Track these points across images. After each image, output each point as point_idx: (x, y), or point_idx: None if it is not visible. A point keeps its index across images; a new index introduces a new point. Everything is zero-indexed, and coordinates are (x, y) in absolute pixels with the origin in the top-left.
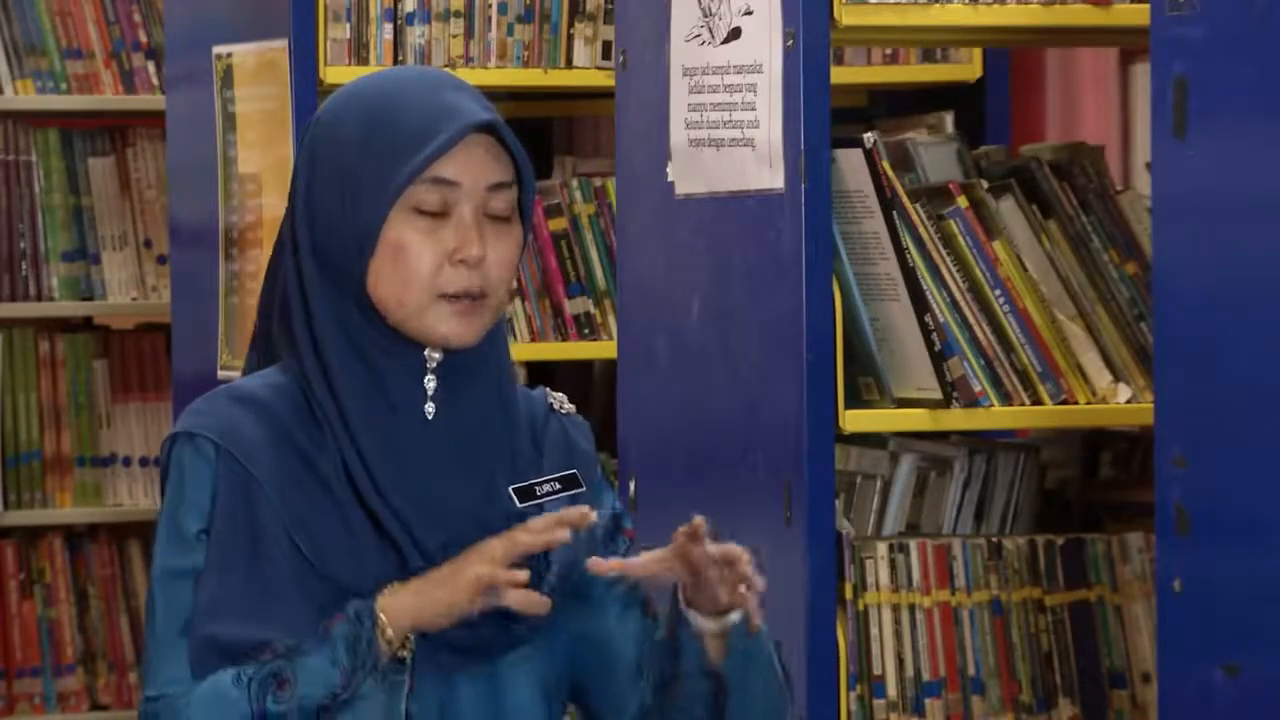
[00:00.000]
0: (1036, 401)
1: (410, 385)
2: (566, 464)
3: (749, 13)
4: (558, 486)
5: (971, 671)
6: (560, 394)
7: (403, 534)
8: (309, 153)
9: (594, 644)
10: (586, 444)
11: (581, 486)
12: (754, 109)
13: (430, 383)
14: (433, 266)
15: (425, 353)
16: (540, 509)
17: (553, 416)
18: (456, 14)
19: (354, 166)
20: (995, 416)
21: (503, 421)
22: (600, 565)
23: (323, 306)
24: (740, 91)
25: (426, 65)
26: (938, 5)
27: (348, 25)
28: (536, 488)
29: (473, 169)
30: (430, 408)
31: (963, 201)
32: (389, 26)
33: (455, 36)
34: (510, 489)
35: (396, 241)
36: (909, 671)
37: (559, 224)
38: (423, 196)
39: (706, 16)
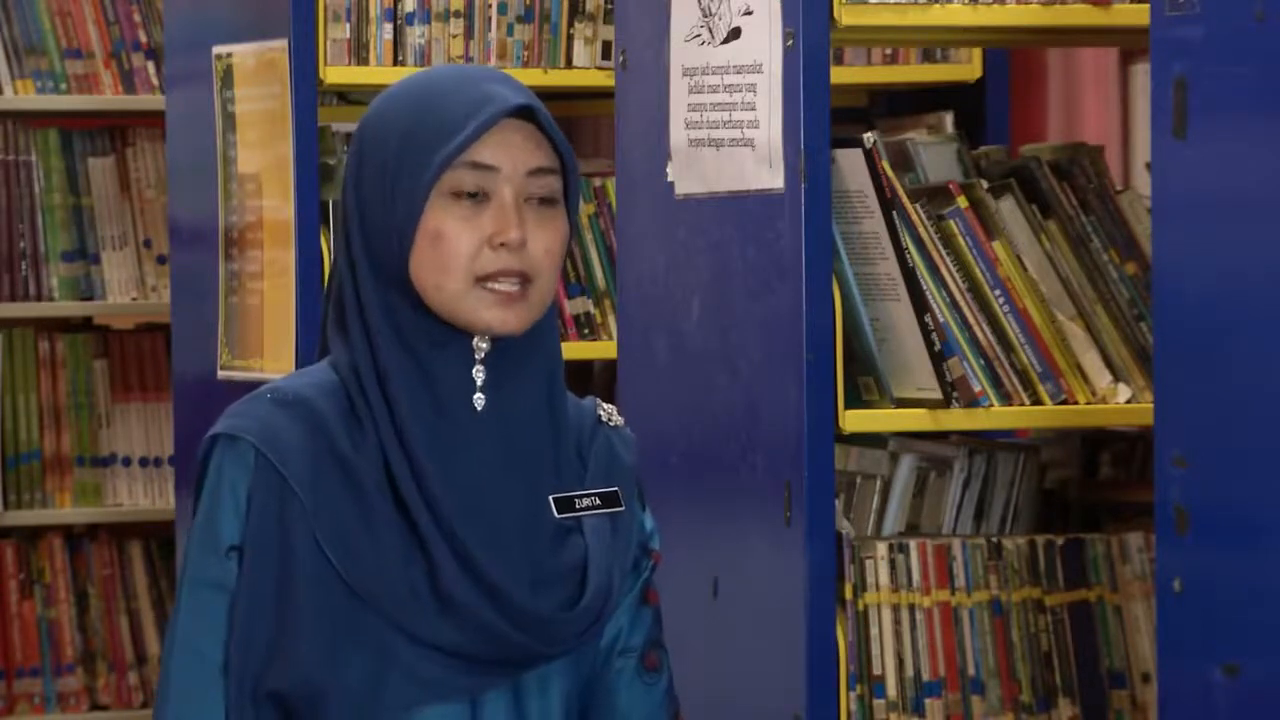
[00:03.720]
0: (1036, 401)
1: (459, 377)
2: (608, 477)
3: (749, 13)
4: (598, 502)
5: (971, 671)
6: (611, 406)
7: (437, 536)
8: (356, 152)
9: (599, 691)
10: (629, 458)
11: (621, 506)
12: (754, 109)
13: (479, 374)
14: (471, 250)
15: (474, 342)
16: (579, 522)
17: (600, 428)
18: (456, 14)
19: (396, 159)
20: (995, 416)
21: (550, 422)
22: None
23: (374, 301)
24: (740, 91)
25: (422, 65)
26: (938, 5)
27: (348, 25)
28: (576, 500)
29: (511, 154)
30: (480, 399)
31: (963, 201)
32: (389, 26)
33: (455, 36)
34: (550, 498)
35: (436, 228)
36: (909, 671)
37: None
38: (460, 181)
39: (706, 16)
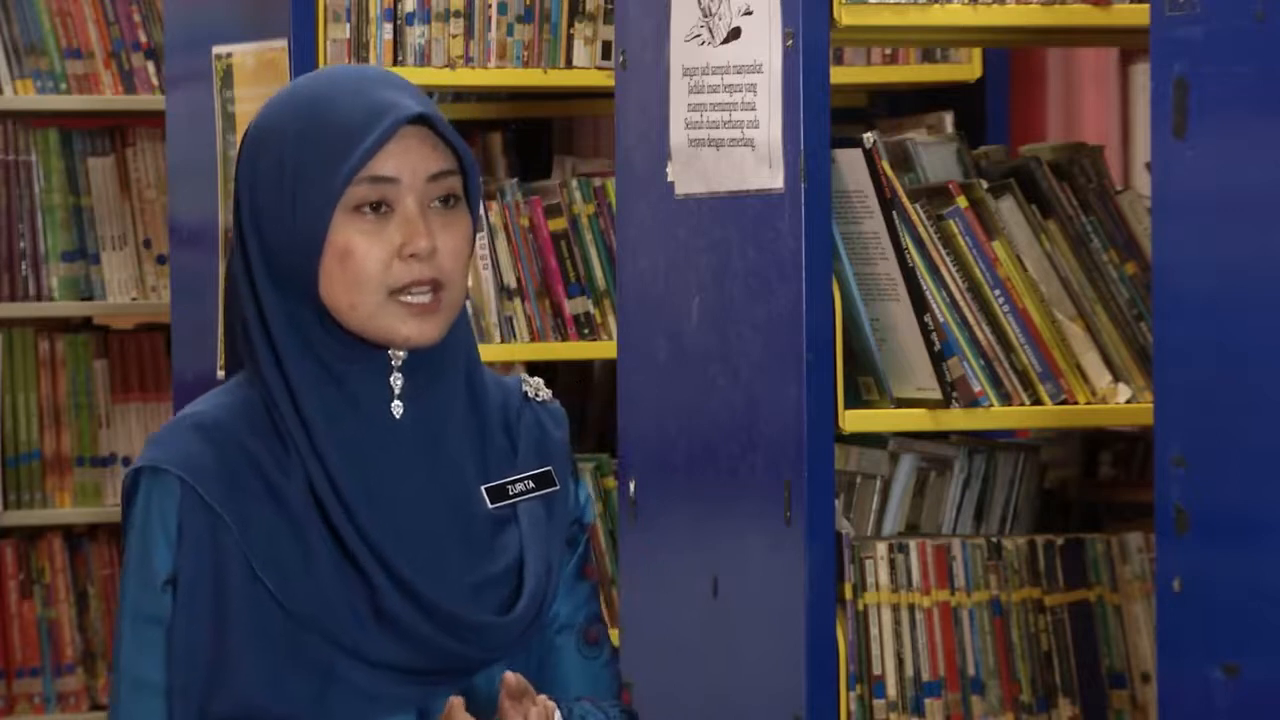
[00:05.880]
0: (1036, 401)
1: (376, 386)
2: (539, 456)
3: (749, 13)
4: (531, 486)
5: (971, 671)
6: (537, 380)
7: (369, 557)
8: (249, 160)
9: (541, 665)
10: (559, 433)
11: (555, 485)
12: (754, 109)
13: (397, 381)
14: (381, 265)
15: (390, 350)
16: (513, 509)
17: (526, 406)
18: (456, 14)
19: (293, 171)
20: (995, 416)
21: (473, 418)
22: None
23: (278, 315)
24: (740, 91)
25: (421, 65)
26: (938, 5)
27: (348, 25)
28: (509, 488)
29: (410, 162)
30: (398, 406)
31: (962, 201)
32: (389, 26)
33: (455, 36)
34: (482, 488)
35: (343, 245)
36: (909, 671)
37: (559, 224)
38: (363, 196)
39: (706, 16)
